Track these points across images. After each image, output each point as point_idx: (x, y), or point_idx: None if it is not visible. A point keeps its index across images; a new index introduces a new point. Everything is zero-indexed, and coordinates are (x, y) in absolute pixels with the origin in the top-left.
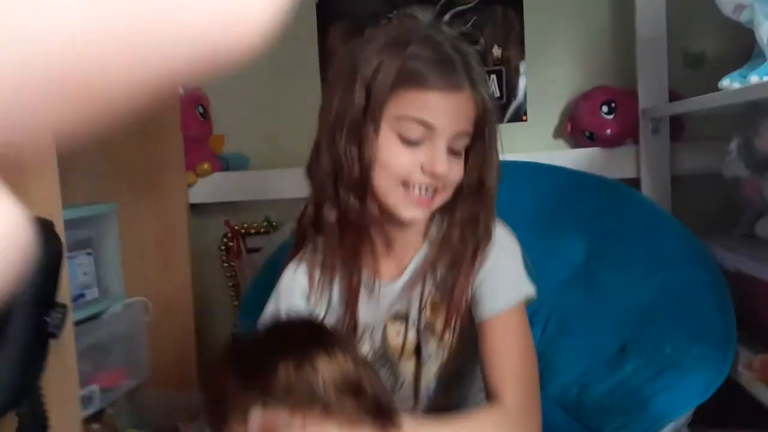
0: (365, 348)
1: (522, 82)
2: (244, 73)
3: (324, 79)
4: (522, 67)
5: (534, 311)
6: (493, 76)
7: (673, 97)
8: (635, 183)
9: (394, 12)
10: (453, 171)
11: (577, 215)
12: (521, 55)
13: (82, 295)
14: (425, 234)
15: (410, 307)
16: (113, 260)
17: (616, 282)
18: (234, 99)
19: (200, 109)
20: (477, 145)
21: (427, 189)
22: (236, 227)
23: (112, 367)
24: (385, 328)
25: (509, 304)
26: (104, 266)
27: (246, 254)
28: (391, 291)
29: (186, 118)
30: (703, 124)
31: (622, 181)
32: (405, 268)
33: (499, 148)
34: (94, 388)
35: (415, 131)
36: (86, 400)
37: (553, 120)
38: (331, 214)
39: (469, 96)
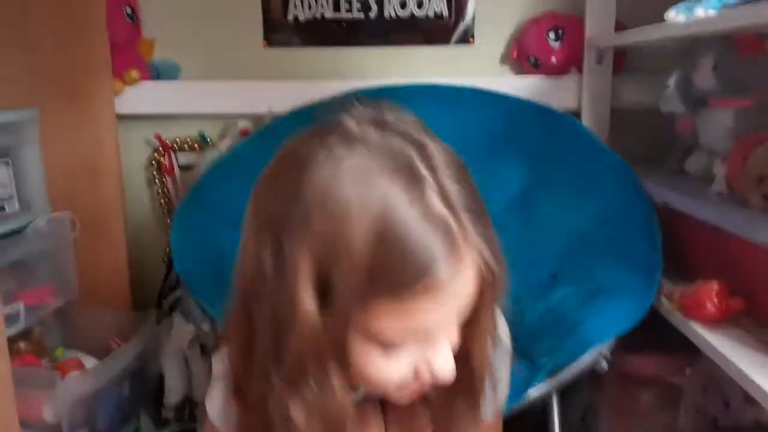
0: None
1: (471, 4)
2: None
3: None
4: None
5: None
6: None
7: (618, 27)
8: (576, 114)
9: None
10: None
11: (517, 143)
12: None
13: (1, 209)
14: None
15: None
16: (35, 172)
17: (551, 210)
18: (166, 1)
19: (128, 9)
20: (473, 320)
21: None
22: (168, 142)
23: (38, 285)
24: None
25: (495, 409)
26: (25, 178)
27: (179, 170)
28: None
29: (112, 19)
30: (645, 58)
31: (565, 111)
32: None
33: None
34: (19, 305)
35: (399, 337)
36: (11, 318)
37: (500, 44)
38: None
39: (470, 270)
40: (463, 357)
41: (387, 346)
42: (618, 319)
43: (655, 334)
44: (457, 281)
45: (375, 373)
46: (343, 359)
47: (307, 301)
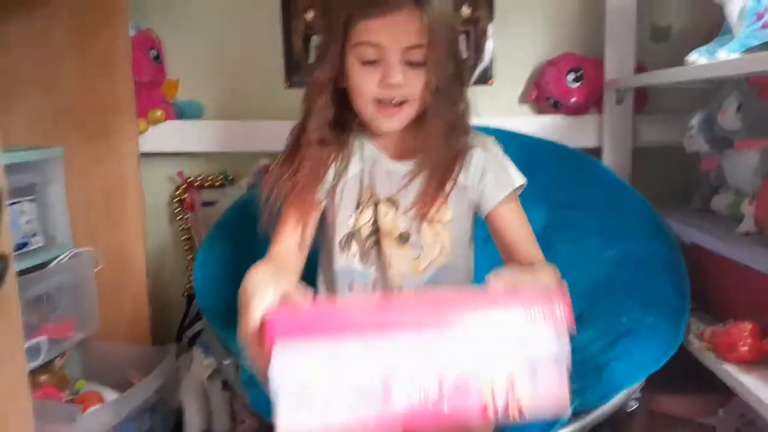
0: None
1: (489, 45)
2: (201, 14)
3: (285, 27)
4: (490, 30)
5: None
6: (462, 37)
7: (638, 69)
8: (597, 152)
9: None
10: (411, 81)
11: (537, 184)
12: (490, 17)
13: (26, 244)
14: (405, 146)
15: (401, 197)
16: (59, 208)
17: (573, 252)
18: (189, 43)
19: (153, 52)
20: (431, 55)
21: (392, 101)
22: (190, 179)
23: (60, 319)
24: (377, 206)
25: (508, 191)
26: (49, 214)
27: (201, 207)
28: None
29: (137, 61)
30: (666, 98)
31: (584, 150)
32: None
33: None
34: (42, 339)
35: (367, 53)
36: (33, 352)
37: (518, 85)
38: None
39: (411, 13)
40: (435, 87)
41: (363, 62)
42: (645, 362)
43: (685, 373)
44: (401, 13)
45: (359, 85)
46: (346, 80)
47: (327, 44)
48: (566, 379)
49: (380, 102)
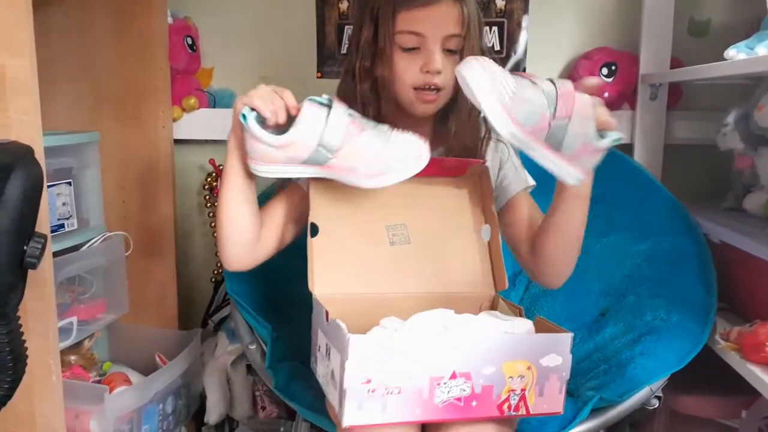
0: None
1: (523, 37)
2: (237, 3)
3: (319, 17)
4: (524, 22)
5: (517, 272)
6: (495, 29)
7: (674, 64)
8: (629, 149)
9: None
10: (447, 68)
11: None
12: (525, 9)
13: (61, 226)
14: (439, 128)
15: None
16: (94, 192)
17: (601, 247)
18: (225, 32)
19: (189, 40)
20: (467, 44)
21: (431, 88)
22: (221, 166)
23: (91, 300)
24: None
25: (523, 186)
26: (84, 198)
27: None
28: None
29: (174, 49)
30: (700, 94)
31: (616, 146)
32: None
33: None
34: (72, 320)
35: (409, 41)
36: (64, 332)
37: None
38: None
39: (450, 4)
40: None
41: (404, 49)
42: (668, 360)
43: (709, 373)
44: (442, 4)
45: (401, 70)
46: (387, 66)
47: (367, 32)
48: (565, 386)
49: (419, 89)
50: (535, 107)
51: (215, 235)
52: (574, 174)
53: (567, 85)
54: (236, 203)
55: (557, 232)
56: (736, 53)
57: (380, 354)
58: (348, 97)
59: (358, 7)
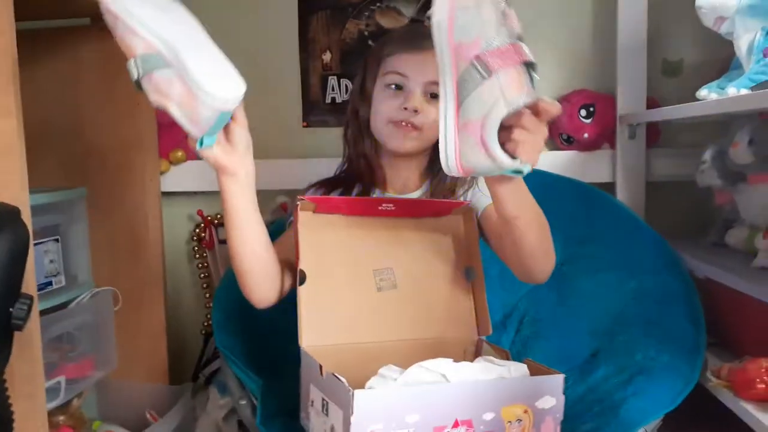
0: None
1: None
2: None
3: (303, 68)
4: None
5: (507, 314)
6: None
7: (651, 103)
8: (610, 187)
9: (377, 4)
10: (428, 112)
11: (552, 219)
12: None
13: (49, 284)
14: (426, 173)
15: None
16: (82, 248)
17: (589, 288)
18: None
19: None
20: None
21: (406, 123)
22: (209, 217)
23: (80, 358)
24: None
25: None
26: (72, 253)
27: (218, 245)
28: None
29: None
30: (678, 132)
31: (598, 185)
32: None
33: None
34: (61, 379)
35: (393, 79)
36: (52, 392)
37: None
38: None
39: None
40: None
41: (388, 86)
42: (661, 400)
43: (703, 410)
44: (428, 52)
45: (380, 104)
46: (369, 103)
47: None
48: (559, 428)
49: (396, 124)
50: (477, 26)
51: (204, 286)
52: (449, 153)
53: (520, 50)
54: (252, 235)
55: (510, 223)
56: (707, 93)
57: (385, 407)
58: (348, 142)
59: (362, 61)
